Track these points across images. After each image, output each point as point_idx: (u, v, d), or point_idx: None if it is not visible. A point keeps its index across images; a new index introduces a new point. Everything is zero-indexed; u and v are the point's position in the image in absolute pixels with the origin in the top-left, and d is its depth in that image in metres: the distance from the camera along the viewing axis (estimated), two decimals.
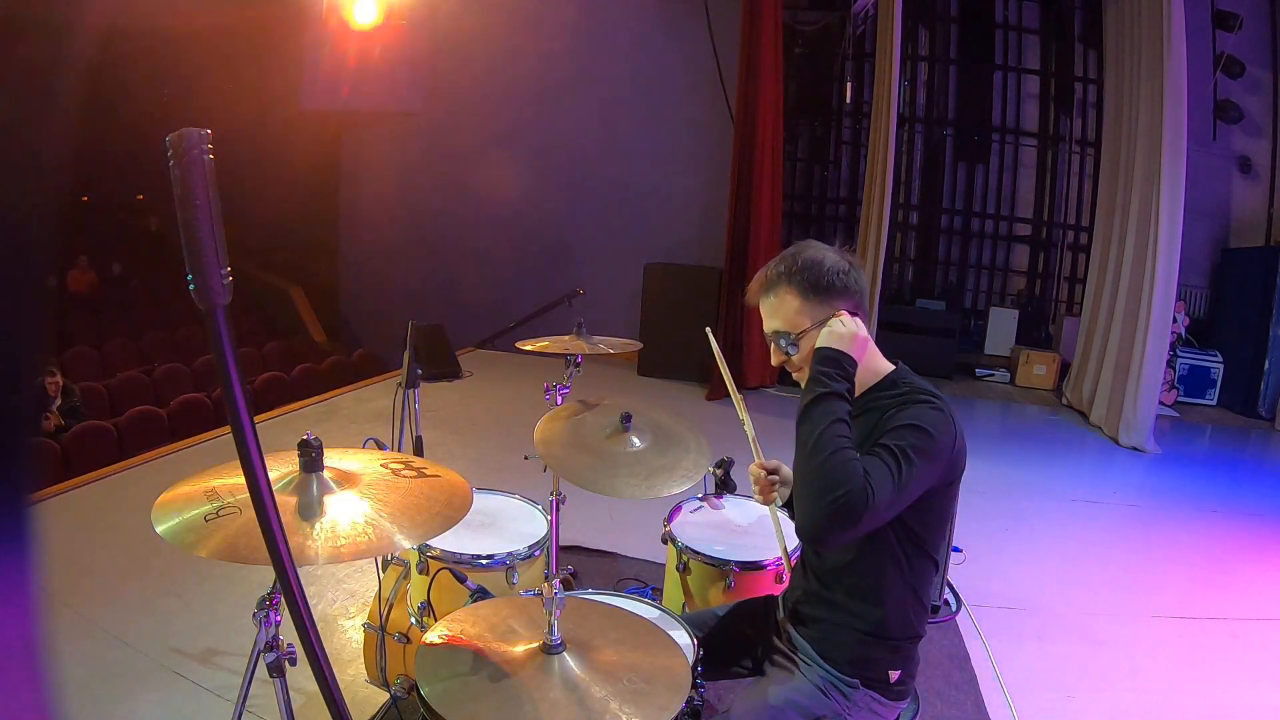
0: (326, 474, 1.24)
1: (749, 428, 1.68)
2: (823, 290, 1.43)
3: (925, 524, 1.41)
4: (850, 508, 1.21)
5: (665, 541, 2.09)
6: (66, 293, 9.28)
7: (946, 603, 3.02)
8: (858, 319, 1.44)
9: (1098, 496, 4.66)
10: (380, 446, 1.79)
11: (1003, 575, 3.37)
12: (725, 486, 2.30)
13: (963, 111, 8.43)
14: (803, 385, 1.46)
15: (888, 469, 1.26)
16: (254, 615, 1.28)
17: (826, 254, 1.46)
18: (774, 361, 1.53)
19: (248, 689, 1.38)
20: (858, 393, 1.44)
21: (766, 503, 1.64)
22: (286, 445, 1.27)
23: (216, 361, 0.71)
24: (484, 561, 1.89)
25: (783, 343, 1.46)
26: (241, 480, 0.77)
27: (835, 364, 1.37)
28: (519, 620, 1.27)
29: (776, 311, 1.46)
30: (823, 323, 1.42)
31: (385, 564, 2.15)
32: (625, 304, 7.08)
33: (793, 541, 1.67)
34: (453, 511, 1.25)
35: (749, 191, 6.29)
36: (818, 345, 1.41)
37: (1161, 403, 6.08)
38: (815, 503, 1.24)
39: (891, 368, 1.49)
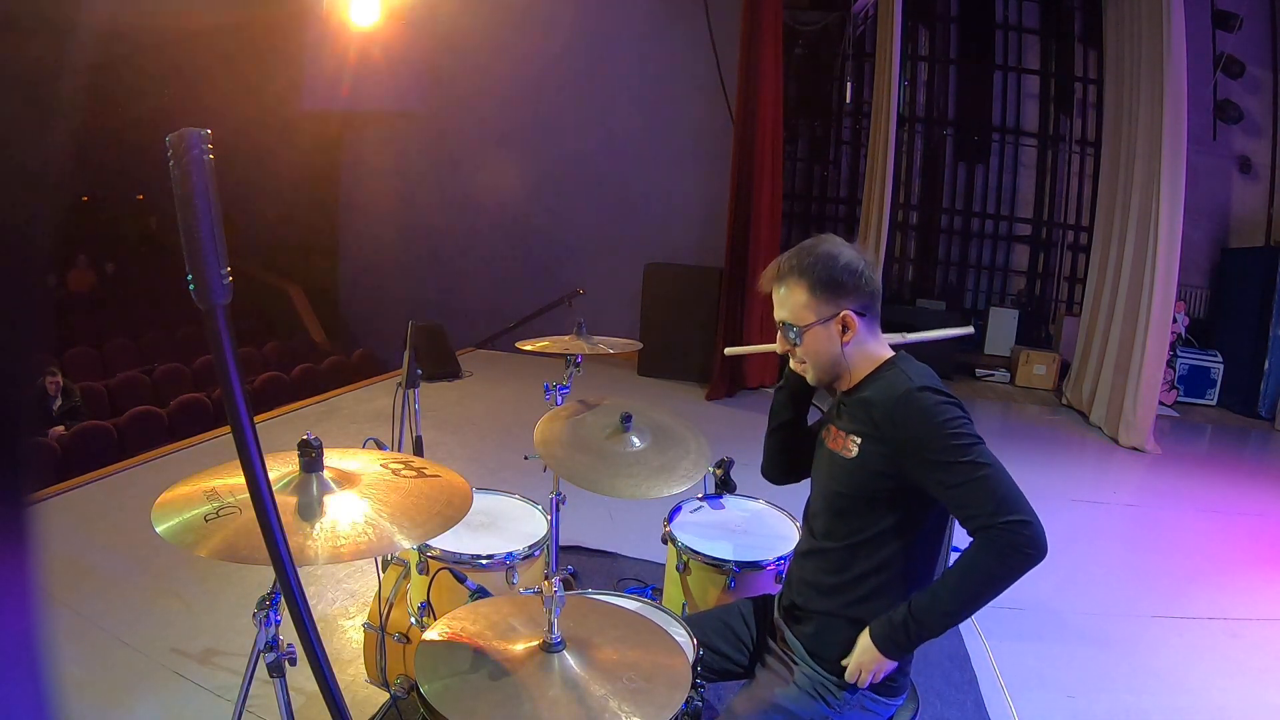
0: (326, 474, 1.24)
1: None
2: (832, 287, 1.42)
3: (925, 518, 1.41)
4: (1034, 556, 1.29)
5: (665, 541, 2.09)
6: (66, 293, 9.28)
7: None
8: (867, 315, 1.45)
9: (1098, 496, 4.66)
10: (380, 446, 1.79)
11: None
12: (725, 486, 2.30)
13: (963, 111, 8.43)
14: (809, 380, 1.51)
15: (995, 482, 1.28)
16: (254, 615, 1.28)
17: (844, 250, 1.45)
18: (779, 349, 1.54)
19: (248, 689, 1.38)
20: (854, 382, 1.48)
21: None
22: (286, 445, 1.27)
23: (216, 361, 0.71)
24: (484, 561, 1.89)
25: (790, 334, 1.47)
26: (241, 480, 0.77)
27: (903, 643, 1.37)
28: (519, 618, 1.27)
29: (785, 302, 1.46)
30: (828, 320, 1.42)
31: (385, 564, 2.15)
32: (625, 304, 7.08)
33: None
34: (453, 511, 1.25)
35: (749, 191, 6.29)
36: (883, 651, 1.38)
37: (1161, 403, 6.08)
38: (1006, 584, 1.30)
39: (889, 354, 1.50)
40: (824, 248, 1.45)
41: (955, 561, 1.31)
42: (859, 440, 1.43)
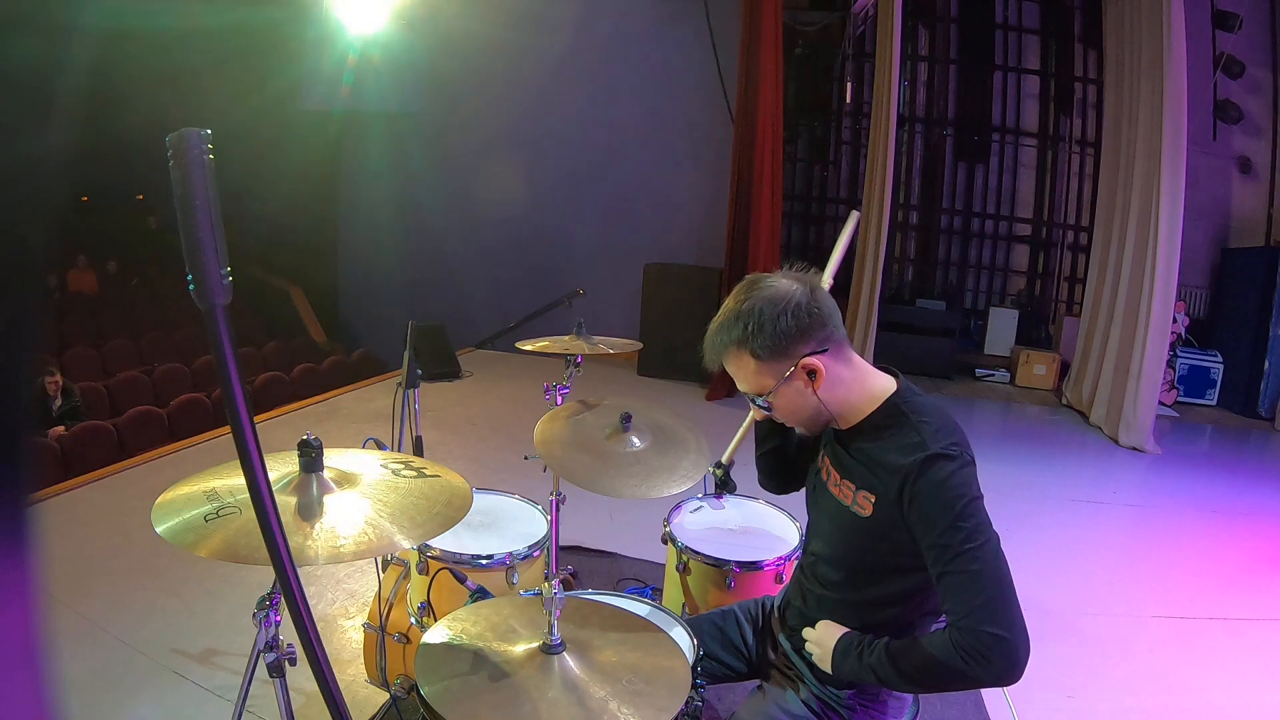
0: (326, 474, 1.24)
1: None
2: (775, 343, 1.27)
3: None
4: (1003, 677, 1.13)
5: (665, 541, 2.09)
6: (66, 293, 9.28)
7: None
8: (830, 348, 1.32)
9: (1098, 497, 4.66)
10: (380, 446, 1.79)
11: None
12: (725, 486, 2.30)
13: (963, 111, 8.43)
14: (803, 433, 1.46)
15: (982, 584, 1.15)
16: (254, 615, 1.27)
17: (775, 289, 1.29)
18: (756, 417, 1.55)
19: (248, 689, 1.38)
20: (853, 422, 1.35)
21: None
22: (286, 445, 1.27)
23: (216, 361, 0.71)
24: (484, 561, 1.89)
25: (759, 404, 1.37)
26: (241, 480, 0.77)
27: (854, 674, 1.31)
28: (519, 620, 1.27)
29: (738, 375, 1.35)
30: (789, 378, 1.30)
31: (385, 564, 2.15)
32: (625, 304, 7.08)
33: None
34: (453, 511, 1.25)
35: (749, 191, 6.28)
36: (833, 672, 1.33)
37: (1161, 403, 6.08)
38: (970, 684, 1.18)
39: (891, 388, 1.35)
40: (751, 300, 1.29)
41: (929, 635, 1.22)
42: (873, 499, 1.28)
